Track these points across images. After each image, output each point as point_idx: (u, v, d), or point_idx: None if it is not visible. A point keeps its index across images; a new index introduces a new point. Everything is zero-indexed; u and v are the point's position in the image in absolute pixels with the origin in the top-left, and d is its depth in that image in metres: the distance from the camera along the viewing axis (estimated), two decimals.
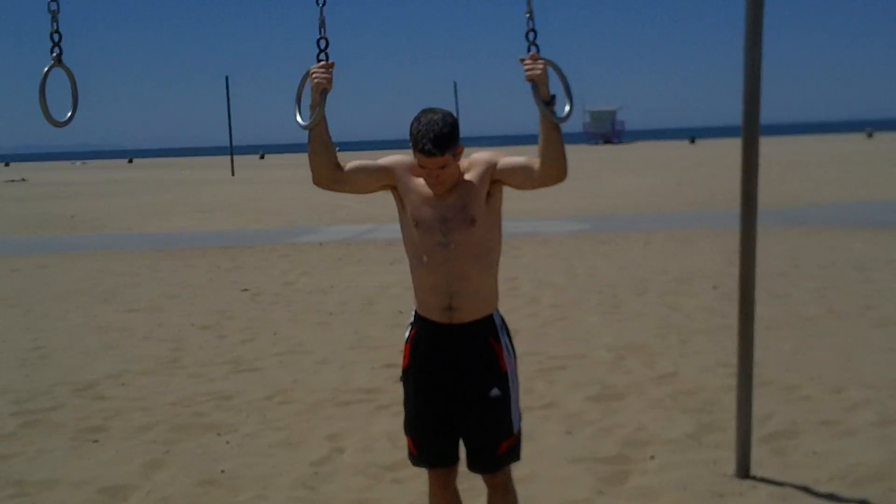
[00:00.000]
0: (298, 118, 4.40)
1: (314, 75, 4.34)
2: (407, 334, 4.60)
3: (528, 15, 4.32)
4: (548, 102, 4.20)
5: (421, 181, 4.40)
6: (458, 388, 4.42)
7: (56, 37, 4.34)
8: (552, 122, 4.22)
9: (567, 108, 4.26)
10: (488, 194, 4.39)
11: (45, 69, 4.31)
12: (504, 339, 4.50)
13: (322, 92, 4.32)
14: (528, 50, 4.30)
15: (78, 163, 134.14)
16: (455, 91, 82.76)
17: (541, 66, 4.23)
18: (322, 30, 4.44)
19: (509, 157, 4.47)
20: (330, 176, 4.42)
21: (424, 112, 4.31)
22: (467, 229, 4.32)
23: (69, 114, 4.46)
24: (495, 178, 4.40)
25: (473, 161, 4.45)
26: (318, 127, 4.35)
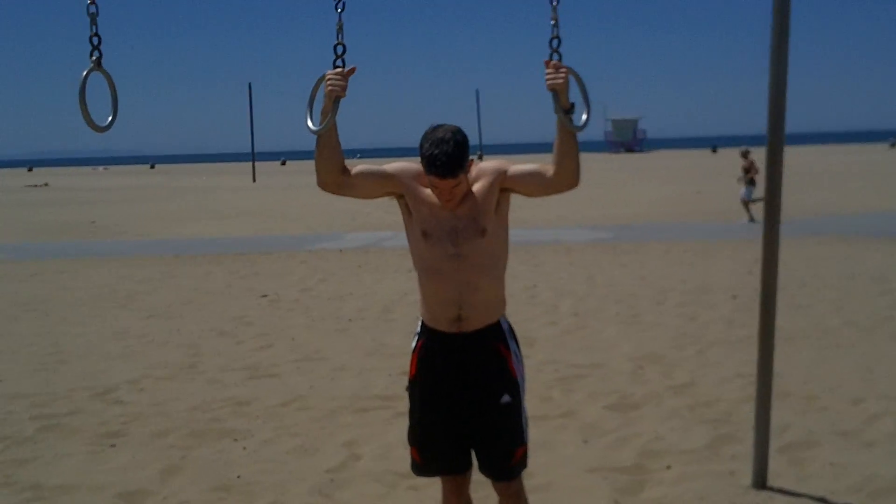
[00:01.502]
0: (309, 122, 4.37)
1: (329, 82, 4.30)
2: (413, 345, 4.59)
3: (552, 22, 4.31)
4: (567, 111, 4.21)
5: (429, 191, 4.38)
6: (469, 396, 4.41)
7: (95, 40, 4.29)
8: (569, 131, 4.22)
9: (584, 116, 4.26)
10: (497, 203, 4.38)
11: (84, 73, 4.26)
12: (512, 345, 4.50)
13: (335, 99, 4.28)
14: (551, 57, 4.29)
15: (100, 168, 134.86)
16: (477, 98, 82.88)
17: (563, 75, 4.22)
18: (339, 35, 4.38)
19: (518, 166, 4.45)
20: (335, 180, 4.42)
21: (434, 130, 4.26)
22: (478, 240, 4.30)
23: (109, 119, 4.43)
24: (504, 187, 4.39)
25: (482, 170, 4.42)
26: (328, 132, 4.33)
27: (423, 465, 4.61)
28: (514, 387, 4.45)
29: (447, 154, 4.16)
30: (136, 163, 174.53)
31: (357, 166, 4.50)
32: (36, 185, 67.94)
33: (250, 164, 74.81)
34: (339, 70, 4.34)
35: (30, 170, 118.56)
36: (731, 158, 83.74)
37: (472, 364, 4.40)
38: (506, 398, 4.42)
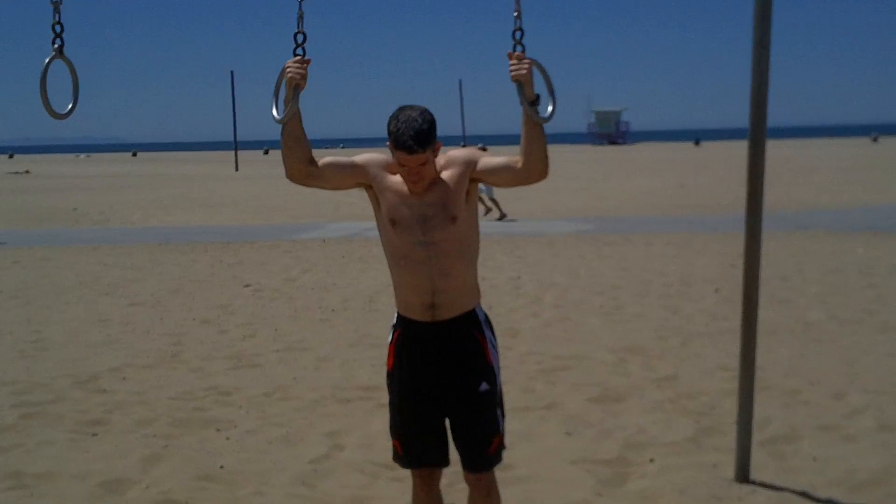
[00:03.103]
0: (274, 112, 4.40)
1: (288, 70, 4.33)
2: (390, 337, 4.60)
3: (515, 14, 4.32)
4: (532, 102, 4.23)
5: (397, 179, 4.39)
6: (446, 385, 4.42)
7: (58, 28, 4.32)
8: (535, 122, 4.24)
9: (550, 108, 4.28)
10: (467, 192, 4.39)
11: (46, 61, 4.29)
12: (488, 334, 4.51)
13: (295, 87, 4.32)
14: (514, 49, 4.31)
15: (82, 156, 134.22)
16: (460, 89, 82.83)
17: (526, 66, 4.25)
18: (300, 24, 4.41)
19: (488, 157, 4.48)
20: (302, 171, 4.43)
21: (402, 109, 4.29)
22: (448, 227, 4.31)
23: (70, 106, 4.44)
24: (473, 178, 4.41)
25: (451, 159, 4.43)
26: (291, 122, 4.35)
27: (404, 456, 4.62)
28: (490, 375, 4.46)
29: (415, 129, 4.19)
30: (118, 150, 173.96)
31: (325, 157, 4.52)
32: (17, 173, 67.61)
33: (233, 152, 74.70)
34: (298, 59, 4.38)
35: (11, 157, 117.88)
36: (714, 151, 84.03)
37: (448, 353, 4.41)
38: (483, 386, 4.43)
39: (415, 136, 4.17)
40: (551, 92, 4.32)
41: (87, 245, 20.77)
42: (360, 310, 12.15)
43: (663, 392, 8.03)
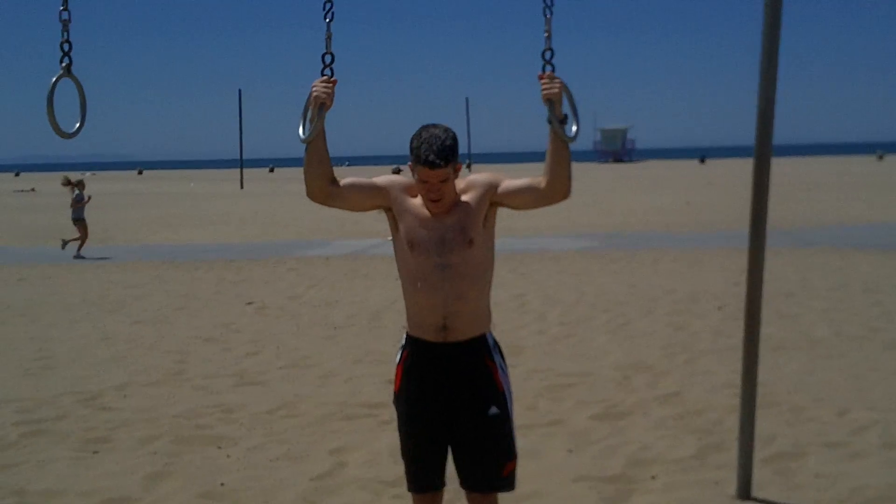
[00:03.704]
0: (300, 131, 4.40)
1: (315, 89, 4.36)
2: (398, 357, 4.58)
3: (546, 34, 4.34)
4: (561, 121, 4.24)
5: (417, 202, 4.40)
6: (455, 408, 4.39)
7: (66, 46, 4.30)
8: (562, 141, 4.25)
9: (574, 128, 4.31)
10: (485, 216, 4.39)
11: (54, 79, 4.27)
12: (497, 358, 4.48)
13: (321, 106, 4.33)
14: (544, 69, 4.32)
15: (88, 174, 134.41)
16: (467, 107, 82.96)
17: (558, 86, 4.28)
18: (328, 44, 4.45)
19: (510, 180, 4.47)
20: (324, 190, 4.43)
21: (425, 127, 4.31)
22: (465, 250, 4.31)
23: (77, 125, 4.43)
24: (494, 201, 4.41)
25: (472, 182, 4.44)
26: (316, 141, 4.36)
27: (409, 479, 4.61)
28: (501, 399, 4.43)
29: (438, 145, 4.21)
30: (124, 168, 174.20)
31: (346, 178, 4.52)
32: (23, 191, 67.77)
33: (238, 170, 74.73)
34: (325, 78, 4.41)
35: (17, 174, 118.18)
36: (719, 168, 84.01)
37: (458, 375, 4.38)
38: (493, 409, 4.39)
39: (438, 151, 4.19)
40: (575, 112, 4.36)
41: (92, 263, 20.81)
42: (365, 326, 12.14)
43: (668, 409, 8.00)
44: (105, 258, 21.73)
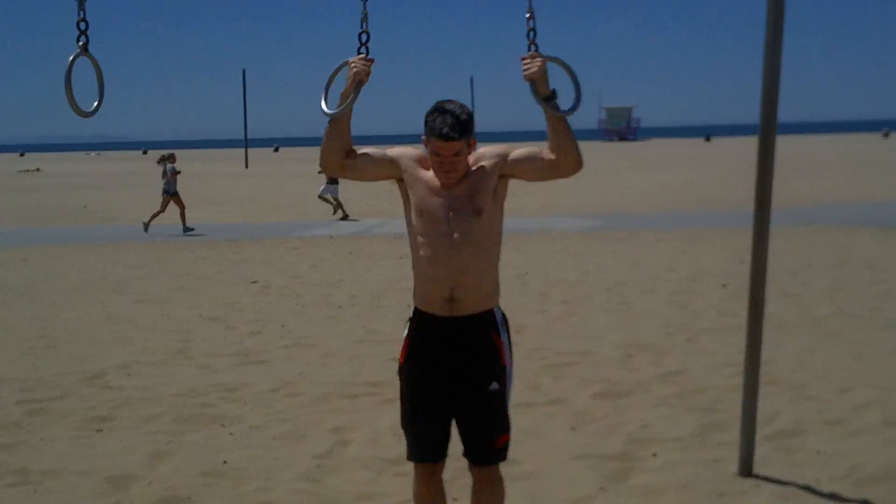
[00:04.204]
0: (324, 105, 4.46)
1: (354, 65, 4.43)
2: (406, 331, 4.59)
3: (528, 15, 4.34)
4: (548, 98, 4.23)
5: (429, 173, 4.41)
6: (457, 381, 4.41)
7: (83, 25, 4.27)
8: (558, 117, 4.24)
9: (574, 100, 4.29)
10: (495, 188, 4.39)
11: (71, 58, 4.23)
12: (504, 336, 4.49)
13: (359, 83, 4.41)
14: (529, 49, 4.33)
15: (92, 153, 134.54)
16: (472, 86, 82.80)
17: (538, 64, 4.28)
18: (364, 24, 4.54)
19: (520, 150, 4.47)
20: (340, 162, 4.50)
21: (441, 102, 4.34)
22: (473, 220, 4.31)
23: (95, 104, 4.42)
24: (504, 173, 4.41)
25: (482, 153, 4.45)
26: (343, 116, 4.42)
27: (409, 449, 4.62)
28: (502, 375, 4.45)
29: (453, 118, 4.23)
30: (129, 148, 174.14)
31: (361, 148, 4.56)
32: (28, 171, 67.87)
33: (243, 150, 74.78)
34: (363, 56, 4.50)
35: (22, 155, 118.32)
36: (724, 147, 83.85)
37: (463, 349, 4.40)
38: (494, 386, 4.41)
39: (452, 124, 4.22)
40: (577, 87, 4.35)
41: (95, 243, 20.83)
42: (367, 306, 12.15)
43: (669, 388, 8.01)
44: (201, 234, 22.16)
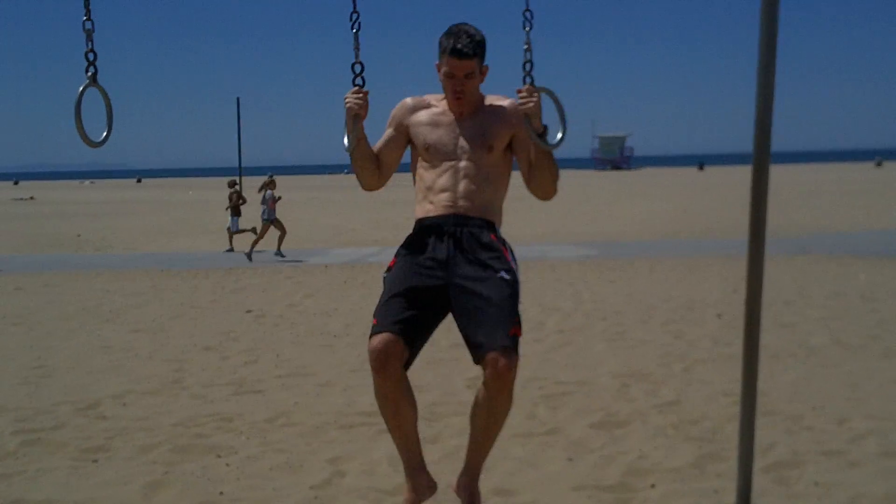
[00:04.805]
0: (345, 141, 4.54)
1: (347, 101, 4.45)
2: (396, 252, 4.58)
3: (525, 47, 4.38)
4: (540, 134, 4.31)
5: (433, 110, 4.50)
6: (461, 266, 4.34)
7: (91, 56, 4.36)
8: (545, 151, 4.32)
9: (559, 135, 4.37)
10: (508, 140, 4.51)
11: (81, 89, 4.31)
12: (509, 246, 4.51)
13: (355, 117, 4.45)
14: (524, 81, 4.37)
15: (86, 182, 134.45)
16: None
17: (535, 100, 4.37)
18: (357, 54, 4.54)
19: (527, 141, 4.50)
20: (376, 180, 4.63)
21: (456, 24, 4.39)
22: (483, 154, 4.38)
23: (105, 133, 4.48)
24: (516, 135, 4.50)
25: (511, 105, 4.49)
26: (358, 147, 4.49)
27: (376, 324, 4.52)
28: (511, 273, 4.41)
29: (469, 36, 4.29)
30: (123, 176, 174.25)
31: (375, 146, 4.65)
32: (22, 199, 67.80)
33: (237, 178, 74.77)
34: (356, 89, 4.51)
35: (16, 183, 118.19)
36: (717, 176, 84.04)
37: (468, 241, 4.37)
38: (503, 273, 4.37)
39: (467, 42, 4.26)
40: (563, 119, 4.41)
41: (90, 271, 20.81)
42: (363, 335, 12.03)
43: (666, 417, 8.00)
44: (297, 261, 22.06)
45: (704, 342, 11.10)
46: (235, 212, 25.31)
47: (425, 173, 4.49)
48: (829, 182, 64.16)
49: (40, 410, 8.61)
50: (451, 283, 4.37)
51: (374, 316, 4.56)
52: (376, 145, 4.66)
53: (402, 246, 4.59)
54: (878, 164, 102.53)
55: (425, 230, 4.47)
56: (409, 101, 4.60)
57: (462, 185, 4.37)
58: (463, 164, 4.34)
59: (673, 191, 58.03)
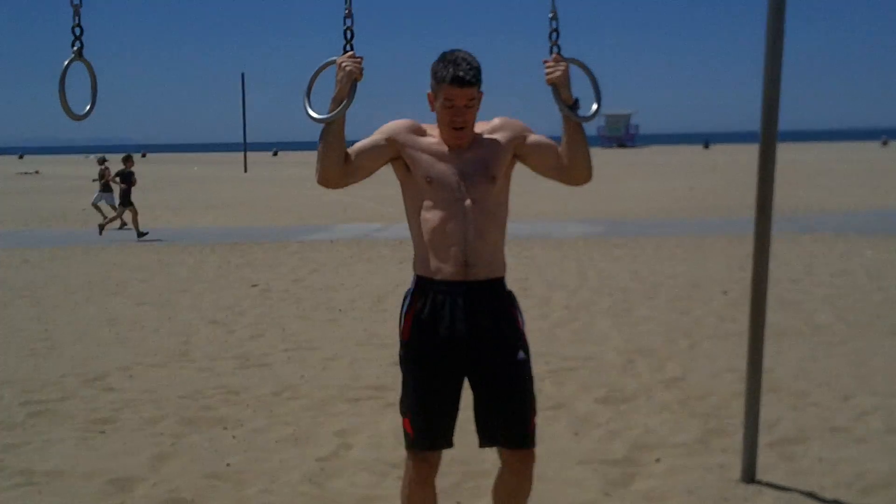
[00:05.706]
0: (311, 111, 4.22)
1: (344, 64, 4.17)
2: (405, 306, 4.32)
3: (551, 16, 4.28)
4: (571, 106, 4.16)
5: (430, 140, 4.24)
6: (478, 352, 4.18)
7: (77, 31, 4.36)
8: (575, 124, 4.18)
9: (594, 106, 4.23)
10: (508, 162, 4.29)
11: (66, 62, 4.32)
12: (517, 305, 4.35)
13: (353, 81, 4.15)
14: (551, 51, 4.26)
15: (92, 156, 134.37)
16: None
17: (562, 69, 4.18)
18: (348, 20, 4.28)
19: (538, 138, 4.34)
20: (339, 172, 4.22)
21: (449, 51, 4.16)
22: (487, 187, 4.17)
23: (88, 107, 4.47)
24: (519, 153, 4.29)
25: (505, 123, 4.32)
26: (337, 122, 4.15)
27: (416, 437, 4.28)
28: (525, 346, 4.29)
29: (468, 62, 4.08)
30: (128, 151, 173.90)
31: (352, 148, 4.28)
32: (27, 173, 67.83)
33: (242, 154, 74.74)
34: (351, 53, 4.24)
35: (21, 157, 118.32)
36: (723, 154, 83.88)
37: (480, 316, 4.18)
38: (521, 355, 4.25)
39: (467, 69, 4.05)
40: (596, 90, 4.27)
41: (96, 245, 20.83)
42: (368, 310, 12.16)
43: (671, 393, 8.02)
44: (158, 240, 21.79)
45: (710, 319, 11.10)
46: (106, 187, 25.40)
47: (427, 214, 4.20)
48: (835, 161, 64.04)
49: (47, 382, 8.65)
50: (471, 369, 4.24)
51: (405, 415, 4.32)
52: (355, 146, 4.29)
53: (411, 312, 4.28)
54: (884, 144, 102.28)
55: (437, 304, 4.21)
56: (408, 121, 4.32)
57: (470, 234, 4.12)
58: (468, 203, 4.11)
59: (679, 169, 57.97)
